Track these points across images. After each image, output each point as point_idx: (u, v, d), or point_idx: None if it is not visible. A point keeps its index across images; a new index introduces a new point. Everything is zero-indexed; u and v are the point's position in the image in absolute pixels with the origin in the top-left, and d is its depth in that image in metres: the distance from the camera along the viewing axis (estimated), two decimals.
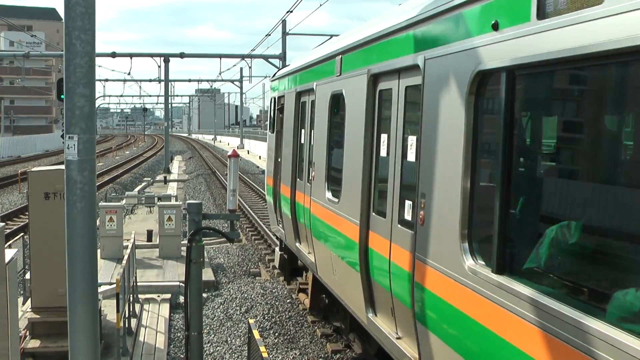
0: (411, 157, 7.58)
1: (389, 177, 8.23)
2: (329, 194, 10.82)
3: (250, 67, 72.29)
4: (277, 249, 17.22)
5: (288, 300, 16.19)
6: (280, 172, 15.19)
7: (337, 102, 10.61)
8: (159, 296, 15.90)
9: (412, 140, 7.61)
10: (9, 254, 8.80)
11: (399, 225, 7.93)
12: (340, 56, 10.25)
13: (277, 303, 15.89)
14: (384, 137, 8.53)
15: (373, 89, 8.82)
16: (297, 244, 13.57)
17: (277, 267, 17.36)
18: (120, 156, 77.02)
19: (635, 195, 4.32)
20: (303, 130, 13.24)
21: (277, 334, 14.08)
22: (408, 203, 7.70)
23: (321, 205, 11.09)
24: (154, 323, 14.19)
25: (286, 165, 14.37)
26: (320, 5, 39.85)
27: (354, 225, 9.24)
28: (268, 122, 17.79)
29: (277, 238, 18.55)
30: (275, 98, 16.37)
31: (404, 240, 7.68)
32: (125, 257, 13.57)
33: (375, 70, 8.68)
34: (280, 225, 15.34)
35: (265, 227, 25.79)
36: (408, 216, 7.67)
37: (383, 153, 8.56)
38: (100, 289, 12.39)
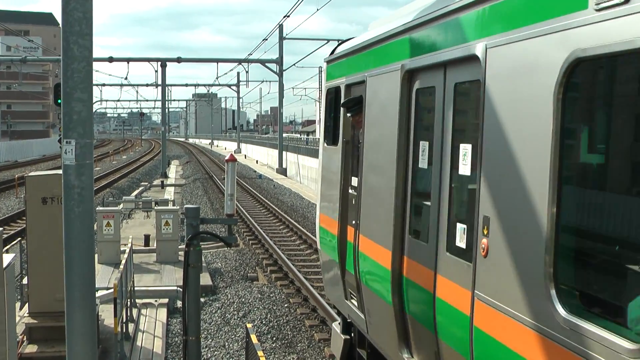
0: None
1: None
2: (564, 311, 4.51)
3: (247, 72, 72.16)
4: (334, 326, 10.91)
5: (285, 305, 16.19)
6: (358, 215, 8.74)
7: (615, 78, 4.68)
8: (156, 301, 15.89)
9: None
10: (7, 258, 8.80)
11: None
12: None
13: (274, 307, 15.89)
14: None
15: None
16: (404, 355, 7.49)
17: (335, 354, 10.90)
18: (118, 161, 76.99)
19: None
20: (425, 144, 6.96)
21: (274, 338, 14.08)
22: None
23: (536, 330, 4.81)
24: (152, 328, 14.18)
25: (375, 207, 8.13)
26: (317, 9, 39.95)
27: None
28: (321, 126, 11.52)
29: (337, 312, 11.20)
30: (338, 89, 10.01)
31: None
32: (123, 261, 13.56)
33: None
34: (356, 305, 9.19)
35: (263, 232, 25.79)
36: None
37: None
38: (98, 294, 12.40)
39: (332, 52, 10.77)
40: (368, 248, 8.36)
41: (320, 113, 11.74)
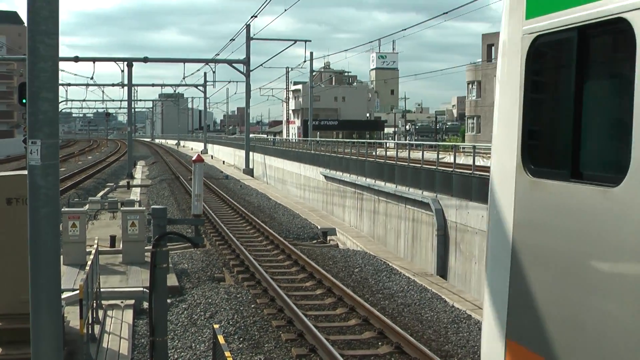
0: None
1: None
2: None
3: (214, 72, 72.07)
4: None
5: (252, 305, 16.18)
6: None
7: None
8: (122, 302, 15.78)
9: None
10: None
11: None
12: None
13: (241, 308, 15.87)
14: None
15: None
16: None
17: None
18: (83, 161, 76.32)
19: None
20: None
21: (241, 339, 14.07)
22: None
23: None
24: (118, 329, 14.09)
25: None
26: (285, 10, 39.91)
27: None
28: (495, 132, 5.28)
29: None
30: (595, 31, 4.12)
31: None
32: (89, 263, 13.46)
33: None
34: None
35: (230, 232, 25.73)
36: None
37: None
38: (63, 296, 12.29)
39: None
40: None
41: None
